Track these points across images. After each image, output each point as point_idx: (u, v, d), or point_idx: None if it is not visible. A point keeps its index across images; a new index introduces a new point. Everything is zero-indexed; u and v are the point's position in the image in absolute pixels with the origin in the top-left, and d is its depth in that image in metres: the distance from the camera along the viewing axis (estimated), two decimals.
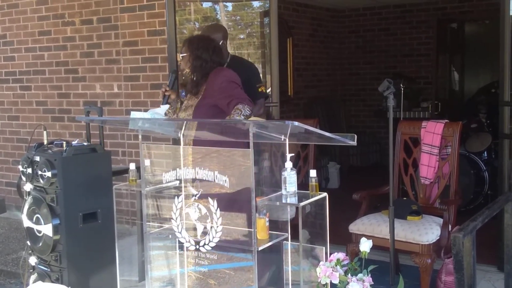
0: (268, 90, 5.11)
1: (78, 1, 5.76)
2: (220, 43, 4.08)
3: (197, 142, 3.40)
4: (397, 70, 8.21)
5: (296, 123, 2.55)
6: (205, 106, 3.57)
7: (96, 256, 3.51)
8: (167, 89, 3.77)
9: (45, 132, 3.57)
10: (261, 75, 4.80)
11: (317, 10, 8.40)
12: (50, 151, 3.45)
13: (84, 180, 3.45)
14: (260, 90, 4.18)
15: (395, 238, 3.32)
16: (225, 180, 2.88)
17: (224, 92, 3.52)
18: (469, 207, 5.37)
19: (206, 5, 6.26)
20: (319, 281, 2.60)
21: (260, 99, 4.18)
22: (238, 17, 6.48)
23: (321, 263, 2.66)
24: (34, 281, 3.55)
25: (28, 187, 3.50)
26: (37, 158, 3.41)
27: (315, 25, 8.38)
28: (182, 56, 3.70)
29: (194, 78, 3.65)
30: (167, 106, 3.73)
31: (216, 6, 6.41)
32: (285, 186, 2.78)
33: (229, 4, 6.40)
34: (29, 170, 3.45)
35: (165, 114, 3.71)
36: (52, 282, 3.42)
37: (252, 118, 3.34)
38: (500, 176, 4.14)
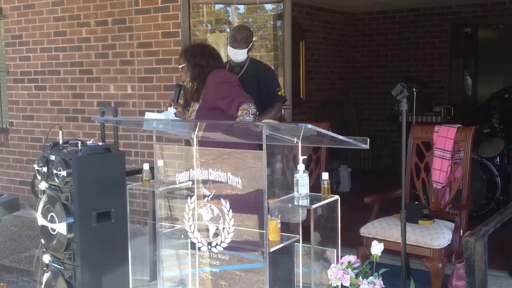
0: None
1: (94, 2, 5.82)
2: (251, 44, 4.13)
3: (206, 144, 3.41)
4: (410, 74, 8.19)
5: (309, 125, 2.56)
6: (205, 109, 3.62)
7: (109, 255, 3.54)
8: (172, 104, 3.78)
9: (60, 131, 3.61)
10: None
11: (330, 13, 8.41)
12: (65, 150, 3.49)
13: (98, 179, 3.49)
14: (280, 93, 4.20)
15: (406, 242, 3.33)
16: (238, 182, 2.91)
17: (222, 93, 3.55)
18: (481, 212, 5.35)
19: (218, 7, 6.29)
20: (330, 283, 2.61)
21: (279, 102, 4.20)
22: (250, 19, 6.50)
23: (332, 265, 2.67)
24: (47, 279, 3.59)
25: (43, 185, 3.54)
26: (53, 157, 3.45)
27: (328, 29, 8.39)
28: (181, 68, 3.73)
29: (195, 86, 3.68)
30: (174, 110, 3.78)
31: (228, 8, 6.43)
32: (297, 188, 2.80)
33: (241, 7, 6.43)
34: (45, 169, 3.49)
35: None
36: (66, 280, 3.46)
37: (265, 120, 3.36)
38: None
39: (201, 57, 3.66)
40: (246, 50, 4.09)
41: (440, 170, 3.83)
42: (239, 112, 3.42)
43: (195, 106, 3.71)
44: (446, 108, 7.62)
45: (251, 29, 4.64)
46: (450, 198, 3.82)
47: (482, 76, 8.55)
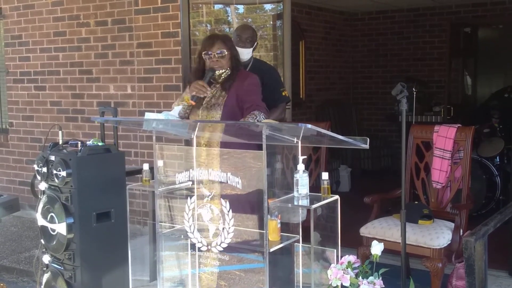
0: None
1: (93, 3, 5.82)
2: (256, 43, 4.14)
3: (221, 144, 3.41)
4: (409, 74, 8.20)
5: (309, 125, 2.56)
6: (232, 106, 3.57)
7: (109, 255, 3.54)
8: (205, 85, 3.51)
9: (60, 132, 3.61)
10: None
11: (330, 13, 8.41)
12: (65, 150, 3.49)
13: (98, 179, 3.48)
14: (284, 93, 4.21)
15: (406, 242, 3.33)
16: (238, 182, 2.91)
17: (250, 96, 3.53)
18: (481, 212, 5.35)
19: (217, 7, 6.29)
20: (330, 283, 2.61)
21: (283, 102, 4.21)
22: (250, 19, 6.50)
23: (332, 265, 2.67)
24: (47, 280, 3.59)
25: (43, 186, 3.54)
26: (52, 158, 3.45)
27: (327, 28, 8.39)
28: (221, 55, 3.54)
29: (229, 76, 3.57)
30: (179, 107, 3.73)
31: (227, 9, 6.43)
32: (297, 188, 2.80)
33: (241, 7, 6.43)
34: (44, 169, 3.49)
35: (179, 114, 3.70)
36: (65, 280, 3.46)
37: (266, 121, 3.36)
38: None
39: (236, 52, 3.68)
40: (251, 49, 4.12)
41: (440, 170, 3.83)
42: (248, 115, 3.41)
43: (216, 99, 3.60)
44: (445, 108, 7.63)
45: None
46: (450, 198, 3.82)
47: (481, 76, 8.56)
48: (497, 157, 5.75)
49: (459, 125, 3.88)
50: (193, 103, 3.52)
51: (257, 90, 3.61)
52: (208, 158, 3.20)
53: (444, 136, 3.82)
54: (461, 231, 3.51)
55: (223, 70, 3.57)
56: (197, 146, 3.26)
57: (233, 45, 3.68)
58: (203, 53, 3.58)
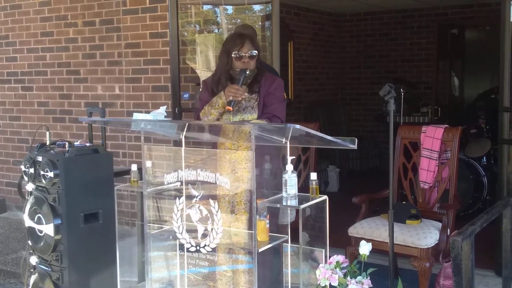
0: None
1: (81, 3, 5.79)
2: None
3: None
4: (397, 75, 8.25)
5: (297, 126, 2.57)
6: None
7: (96, 256, 3.52)
8: (240, 88, 3.34)
9: (47, 132, 3.59)
10: None
11: (318, 14, 8.43)
12: (52, 151, 3.47)
13: (86, 180, 3.47)
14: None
15: (394, 242, 3.34)
16: (226, 182, 2.91)
17: (272, 102, 3.42)
18: (468, 212, 5.39)
19: (206, 7, 6.28)
20: (318, 283, 2.62)
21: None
22: (238, 20, 6.50)
23: (320, 265, 2.67)
24: (35, 281, 3.57)
25: (30, 187, 3.52)
26: (40, 158, 3.43)
27: (316, 29, 8.41)
28: (252, 55, 3.39)
29: (253, 77, 3.42)
30: (164, 107, 3.69)
31: (216, 9, 6.43)
32: (286, 188, 2.80)
33: (229, 7, 6.43)
34: (31, 170, 3.47)
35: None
36: (53, 282, 3.43)
37: (254, 121, 3.36)
38: (499, 182, 4.16)
39: (260, 51, 3.50)
40: None
41: (427, 170, 3.85)
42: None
43: (247, 102, 3.47)
44: (433, 108, 7.68)
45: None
46: (437, 198, 3.84)
47: (469, 77, 8.62)
48: (484, 158, 5.79)
49: (446, 125, 3.90)
50: (231, 108, 3.32)
51: (280, 97, 3.47)
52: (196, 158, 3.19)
53: (432, 137, 3.85)
54: (448, 231, 3.54)
55: (252, 71, 3.41)
56: (222, 148, 3.27)
57: (258, 43, 3.53)
58: (233, 53, 3.38)
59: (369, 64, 8.76)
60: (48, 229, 3.39)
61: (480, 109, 6.33)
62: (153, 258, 3.35)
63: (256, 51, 3.39)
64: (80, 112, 5.85)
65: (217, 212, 2.90)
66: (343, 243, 3.71)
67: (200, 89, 3.79)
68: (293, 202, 2.79)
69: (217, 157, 3.18)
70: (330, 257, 2.69)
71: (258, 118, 3.42)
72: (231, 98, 3.30)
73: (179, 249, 3.19)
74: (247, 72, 3.36)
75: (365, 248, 2.69)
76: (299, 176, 3.23)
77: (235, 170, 3.22)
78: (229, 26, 6.43)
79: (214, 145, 3.51)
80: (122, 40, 5.56)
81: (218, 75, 3.46)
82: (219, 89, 3.41)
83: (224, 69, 3.43)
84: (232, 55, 3.38)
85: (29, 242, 3.58)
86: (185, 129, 3.19)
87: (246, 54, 3.36)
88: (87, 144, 3.62)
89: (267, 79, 3.48)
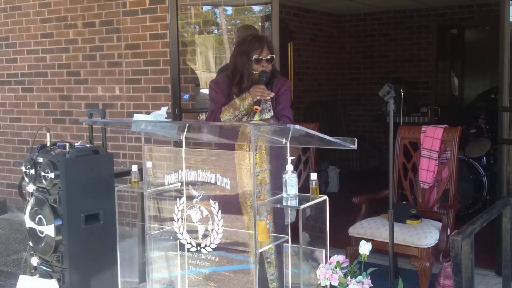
0: None
1: (81, 4, 5.80)
2: None
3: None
4: (397, 75, 8.25)
5: (297, 126, 2.57)
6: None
7: (97, 257, 3.53)
8: (265, 88, 3.36)
9: (48, 133, 3.60)
10: None
11: (318, 15, 8.44)
12: (53, 152, 3.48)
13: (86, 181, 3.48)
14: None
15: (394, 242, 3.35)
16: (227, 183, 2.91)
17: (282, 103, 3.49)
18: (468, 212, 5.39)
19: (206, 8, 6.29)
20: (318, 283, 2.62)
21: None
22: (238, 21, 6.50)
23: (321, 265, 2.68)
24: None
25: (30, 188, 3.52)
26: (40, 159, 3.44)
27: (315, 30, 8.42)
28: (269, 59, 3.43)
29: (265, 80, 3.43)
30: (166, 108, 3.71)
31: (216, 10, 6.43)
32: (286, 189, 2.81)
33: (229, 8, 6.43)
34: (32, 171, 3.48)
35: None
36: None
37: (254, 121, 3.37)
38: (499, 181, 4.17)
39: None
40: None
41: (427, 170, 3.86)
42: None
43: (263, 104, 3.49)
44: (433, 108, 7.69)
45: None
46: (437, 198, 3.85)
47: (468, 77, 8.64)
48: (484, 157, 5.80)
49: (446, 125, 3.91)
50: (259, 108, 3.37)
51: (289, 98, 3.57)
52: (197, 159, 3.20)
53: (431, 137, 3.85)
54: (448, 230, 3.55)
55: (269, 73, 3.45)
56: (240, 150, 3.30)
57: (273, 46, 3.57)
58: (253, 57, 3.40)
59: (368, 65, 8.77)
60: (49, 230, 3.40)
61: (480, 109, 6.34)
62: (154, 259, 3.35)
63: (274, 56, 3.45)
64: (80, 113, 5.86)
65: (217, 212, 2.91)
66: (344, 243, 3.72)
67: (207, 90, 3.77)
68: (293, 203, 2.80)
69: (235, 160, 3.17)
70: (330, 257, 2.69)
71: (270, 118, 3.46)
72: (258, 97, 3.33)
73: (180, 250, 3.20)
74: (266, 75, 3.42)
75: (365, 248, 2.70)
76: (299, 177, 3.24)
77: (256, 172, 3.26)
78: (228, 27, 6.44)
79: (229, 147, 3.47)
80: (122, 41, 5.57)
81: (239, 77, 3.47)
82: (242, 90, 3.42)
83: (245, 71, 3.45)
84: (252, 59, 3.40)
85: (30, 243, 3.59)
86: (186, 130, 3.20)
87: (265, 58, 3.41)
88: (88, 145, 3.62)
89: (279, 81, 3.55)
